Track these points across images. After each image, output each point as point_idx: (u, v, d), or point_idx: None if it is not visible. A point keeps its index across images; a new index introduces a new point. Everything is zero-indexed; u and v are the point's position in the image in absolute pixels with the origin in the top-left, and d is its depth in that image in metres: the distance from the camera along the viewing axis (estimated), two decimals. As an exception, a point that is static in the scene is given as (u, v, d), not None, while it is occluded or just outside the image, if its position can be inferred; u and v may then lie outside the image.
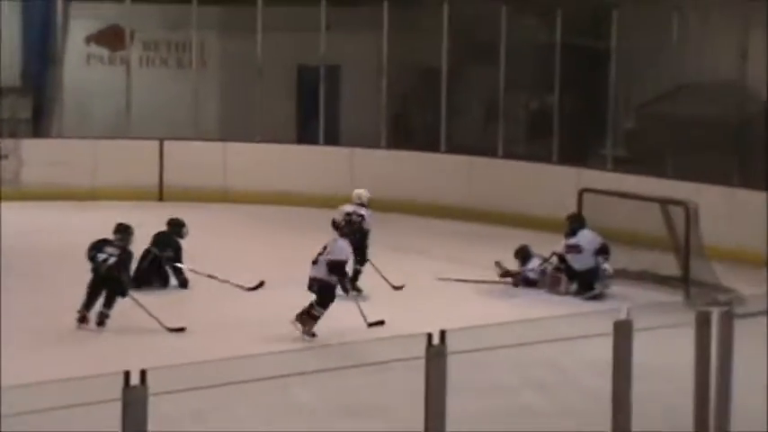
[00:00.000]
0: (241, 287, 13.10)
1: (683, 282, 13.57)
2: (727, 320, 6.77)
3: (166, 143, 18.65)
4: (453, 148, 18.27)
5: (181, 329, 11.66)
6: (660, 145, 16.90)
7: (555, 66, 17.70)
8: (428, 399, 6.50)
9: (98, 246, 11.99)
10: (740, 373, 7.17)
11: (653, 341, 7.47)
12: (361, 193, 13.87)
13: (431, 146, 18.52)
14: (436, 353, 6.58)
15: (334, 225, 12.93)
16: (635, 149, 18.28)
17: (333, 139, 19.31)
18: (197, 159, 18.53)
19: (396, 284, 13.48)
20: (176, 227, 13.68)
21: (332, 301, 11.66)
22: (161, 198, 18.36)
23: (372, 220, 13.50)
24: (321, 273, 11.75)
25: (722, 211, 14.61)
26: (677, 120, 16.77)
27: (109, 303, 11.84)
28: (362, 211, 13.59)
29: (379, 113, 18.82)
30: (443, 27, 18.17)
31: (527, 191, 17.21)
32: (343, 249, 11.97)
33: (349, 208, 13.68)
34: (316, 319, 11.53)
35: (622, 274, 14.26)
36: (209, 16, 19.46)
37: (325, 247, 11.94)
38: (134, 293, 11.89)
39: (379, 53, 18.78)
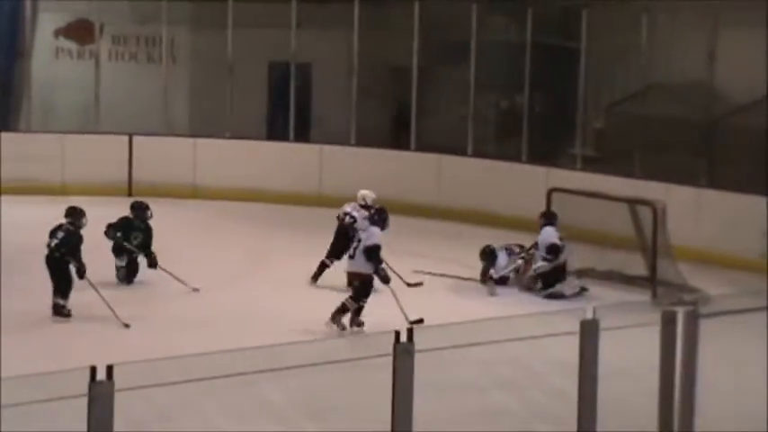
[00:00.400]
0: (185, 284, 12.97)
1: (651, 281, 13.64)
2: (693, 320, 6.80)
3: (136, 138, 18.57)
4: (423, 147, 18.29)
5: (126, 326, 11.54)
6: (629, 145, 16.98)
7: (525, 65, 17.74)
8: (395, 397, 6.51)
9: (52, 232, 12.01)
10: (706, 373, 7.20)
11: (619, 340, 7.51)
12: (365, 194, 13.88)
13: (400, 144, 18.55)
14: (404, 350, 6.59)
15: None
16: (604, 149, 18.36)
17: (303, 135, 19.30)
18: (166, 155, 18.47)
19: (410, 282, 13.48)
20: (140, 210, 13.48)
21: (368, 295, 11.76)
22: (130, 193, 18.27)
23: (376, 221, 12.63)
24: (359, 265, 11.87)
25: (690, 211, 14.68)
26: (646, 120, 16.85)
27: (60, 291, 11.76)
28: (356, 213, 13.58)
29: (350, 111, 18.83)
30: (414, 25, 18.18)
31: (496, 190, 17.25)
32: (375, 234, 12.03)
33: (347, 207, 13.76)
34: (347, 311, 11.63)
35: (590, 274, 14.34)
36: (179, 11, 19.40)
37: (359, 241, 12.03)
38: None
39: (350, 51, 18.78)
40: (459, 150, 18.00)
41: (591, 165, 17.23)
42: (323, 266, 13.52)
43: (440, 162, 17.94)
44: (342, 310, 11.65)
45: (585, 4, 17.64)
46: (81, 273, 11.83)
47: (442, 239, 16.07)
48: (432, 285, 13.77)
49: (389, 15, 19.74)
